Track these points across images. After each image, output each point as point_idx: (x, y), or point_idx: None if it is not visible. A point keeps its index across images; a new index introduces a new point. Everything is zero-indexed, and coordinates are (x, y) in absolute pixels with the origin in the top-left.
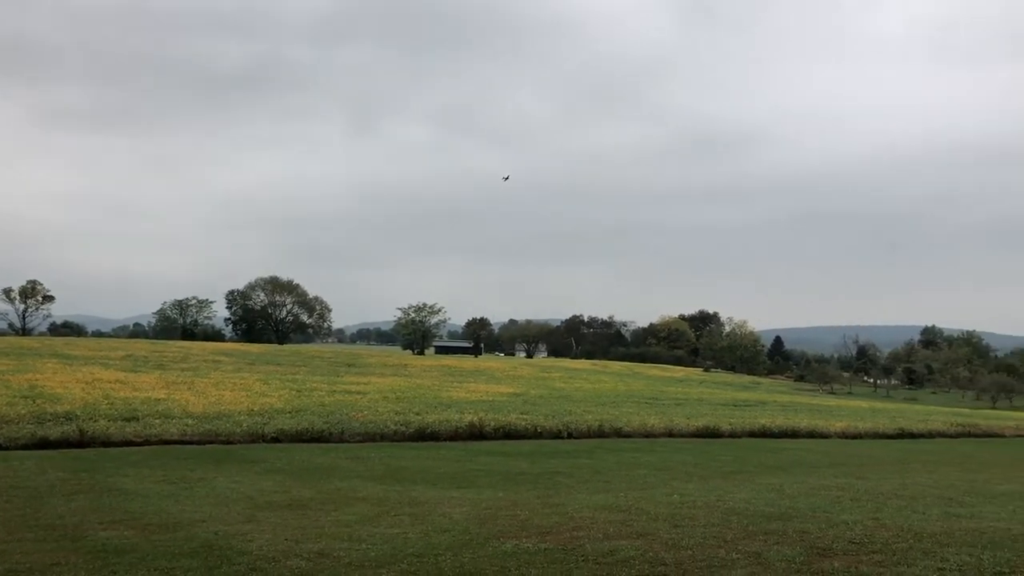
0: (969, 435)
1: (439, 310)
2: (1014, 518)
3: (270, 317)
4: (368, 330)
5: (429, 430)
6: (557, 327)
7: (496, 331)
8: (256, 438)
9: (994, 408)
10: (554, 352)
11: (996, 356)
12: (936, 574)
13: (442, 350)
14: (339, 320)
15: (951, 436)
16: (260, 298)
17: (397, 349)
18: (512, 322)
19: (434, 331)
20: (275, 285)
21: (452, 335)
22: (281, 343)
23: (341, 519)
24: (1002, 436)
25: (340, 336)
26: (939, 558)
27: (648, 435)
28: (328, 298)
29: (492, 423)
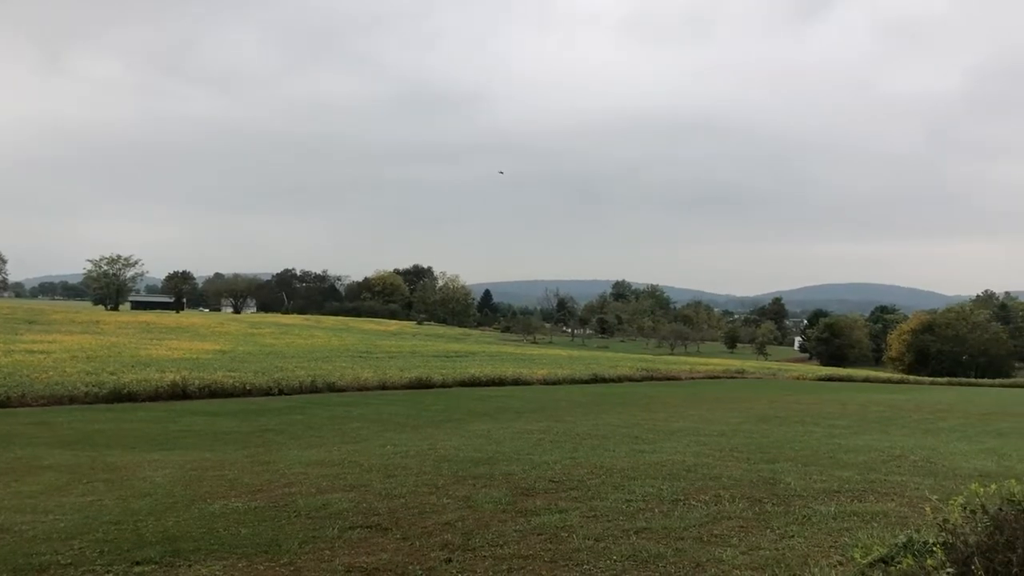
0: (652, 379)
1: (135, 262)
2: (688, 451)
3: None
4: (52, 284)
5: (126, 391)
6: (268, 281)
7: (201, 285)
8: None
9: (672, 354)
10: (264, 307)
11: (675, 307)
12: (624, 504)
13: (139, 305)
14: (17, 273)
15: (637, 380)
16: None
17: (87, 304)
18: (218, 276)
19: (130, 285)
20: None
21: (151, 290)
22: None
23: (23, 490)
24: (679, 379)
25: (19, 290)
26: (627, 490)
27: (362, 388)
28: (4, 248)
29: (197, 382)
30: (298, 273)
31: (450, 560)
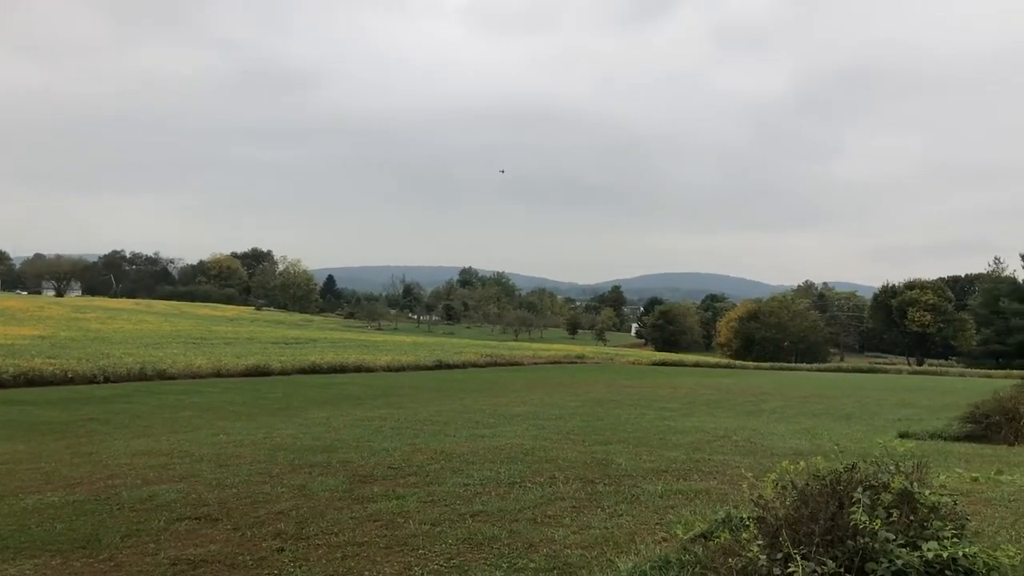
0: (496, 364)
1: None
2: (526, 435)
3: None
4: None
5: None
6: (94, 263)
7: (18, 267)
8: None
9: (516, 340)
10: (90, 291)
11: (520, 295)
12: (462, 489)
13: None
14: None
15: (481, 366)
16: None
17: None
18: (39, 256)
19: None
20: None
21: None
22: None
23: None
24: (522, 364)
25: None
26: (465, 475)
27: (195, 376)
28: None
29: (11, 369)
30: (128, 255)
31: (282, 549)
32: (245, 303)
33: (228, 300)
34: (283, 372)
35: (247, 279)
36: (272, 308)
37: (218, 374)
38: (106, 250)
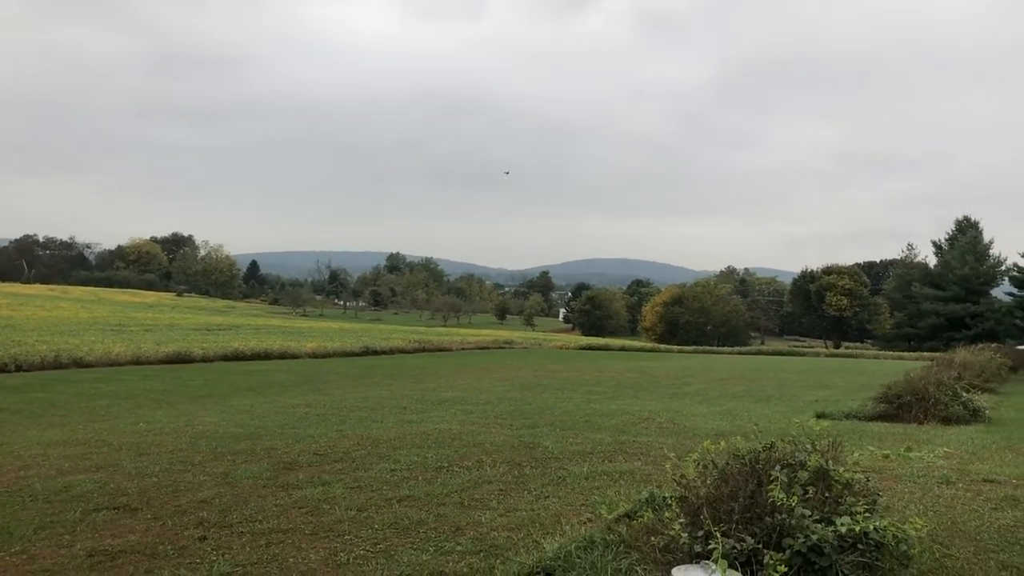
0: (424, 350)
1: None
2: (454, 420)
3: None
4: None
5: None
6: (4, 247)
7: None
8: None
9: (445, 326)
10: (0, 276)
11: (449, 280)
12: (389, 474)
13: None
14: None
15: (409, 352)
16: None
17: None
18: None
19: None
20: None
21: None
22: None
23: None
24: (450, 350)
25: None
26: (392, 460)
27: (113, 364)
28: None
29: None
30: (41, 240)
31: (205, 538)
32: (166, 289)
33: (148, 286)
34: (205, 359)
35: (167, 265)
36: (194, 294)
37: (137, 362)
38: (17, 234)
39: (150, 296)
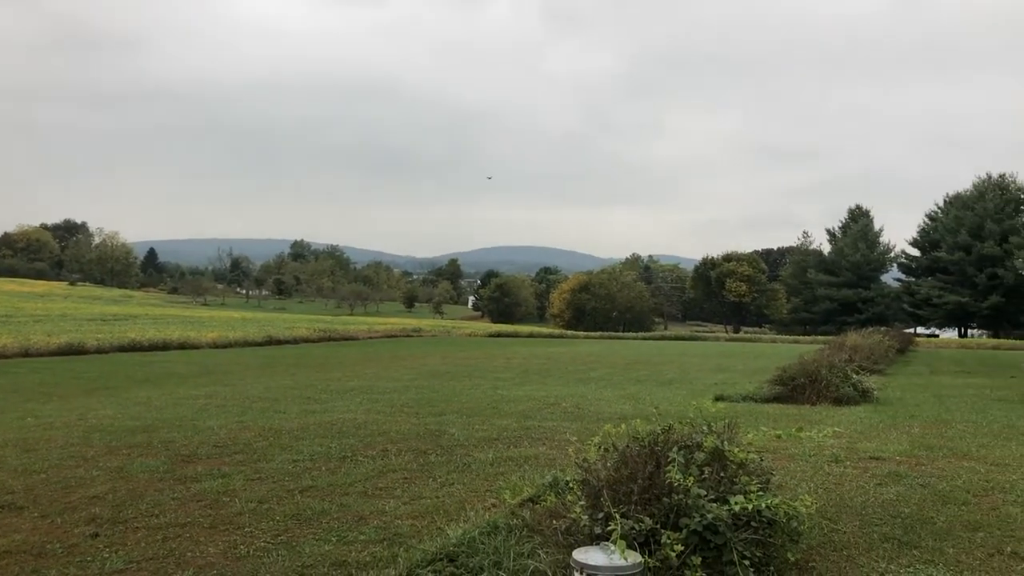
0: (330, 339)
1: None
2: (359, 409)
3: None
4: None
5: None
6: None
7: None
8: None
9: (352, 314)
10: None
11: (356, 268)
12: (291, 465)
13: None
14: None
15: (314, 341)
16: None
17: None
18: None
19: None
20: None
21: None
22: None
23: None
24: (357, 339)
25: None
26: (295, 451)
27: None
28: None
29: None
30: None
31: (97, 535)
32: (58, 278)
33: (38, 275)
34: (100, 350)
35: (59, 253)
36: (88, 283)
37: (26, 354)
38: None
39: (40, 285)
